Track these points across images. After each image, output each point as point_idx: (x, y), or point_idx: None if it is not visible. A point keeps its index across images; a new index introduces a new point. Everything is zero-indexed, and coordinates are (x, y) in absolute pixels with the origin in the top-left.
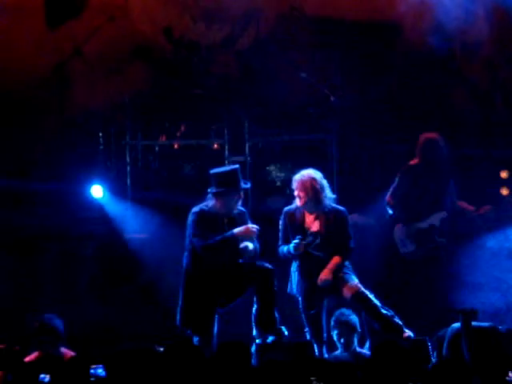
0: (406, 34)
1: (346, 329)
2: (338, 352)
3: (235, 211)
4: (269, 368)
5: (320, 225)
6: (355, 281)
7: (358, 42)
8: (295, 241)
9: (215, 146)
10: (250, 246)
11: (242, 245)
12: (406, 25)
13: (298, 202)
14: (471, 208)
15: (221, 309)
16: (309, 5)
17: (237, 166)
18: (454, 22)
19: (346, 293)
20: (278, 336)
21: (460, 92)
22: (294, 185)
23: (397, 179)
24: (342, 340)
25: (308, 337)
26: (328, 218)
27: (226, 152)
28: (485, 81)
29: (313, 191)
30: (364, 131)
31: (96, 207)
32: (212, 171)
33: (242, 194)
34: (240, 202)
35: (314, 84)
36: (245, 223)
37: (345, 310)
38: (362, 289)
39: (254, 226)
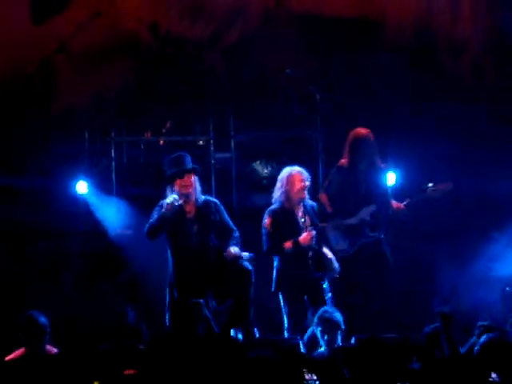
0: (391, 30)
1: (329, 326)
2: (321, 350)
3: (199, 200)
4: (257, 364)
5: (310, 219)
6: None
7: (343, 38)
8: (308, 234)
9: (201, 142)
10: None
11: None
12: (391, 21)
13: (299, 195)
14: (401, 206)
15: (217, 306)
16: (294, 1)
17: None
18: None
19: None
20: (248, 336)
21: (444, 91)
22: (296, 177)
23: (328, 177)
24: (325, 337)
25: (286, 334)
26: (312, 211)
27: (212, 148)
28: (470, 81)
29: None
30: (349, 127)
31: (81, 203)
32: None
33: (191, 177)
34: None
35: (299, 80)
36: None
37: (328, 308)
38: None
39: None
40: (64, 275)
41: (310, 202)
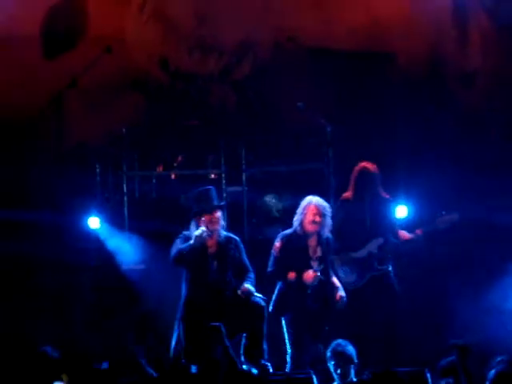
0: (401, 62)
1: (342, 360)
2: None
3: (221, 236)
4: None
5: (322, 250)
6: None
7: (353, 70)
8: (313, 273)
9: (212, 176)
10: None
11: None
12: (401, 53)
13: (310, 227)
14: (408, 236)
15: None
16: (305, 35)
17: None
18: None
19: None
20: (262, 371)
21: (452, 119)
22: (310, 209)
23: (333, 212)
24: (338, 371)
25: (289, 363)
26: (327, 244)
27: (224, 182)
28: (480, 109)
29: (326, 217)
30: (360, 159)
31: (93, 238)
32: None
33: (218, 212)
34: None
35: (310, 113)
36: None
37: (341, 341)
38: None
39: None
40: (75, 310)
41: (326, 234)
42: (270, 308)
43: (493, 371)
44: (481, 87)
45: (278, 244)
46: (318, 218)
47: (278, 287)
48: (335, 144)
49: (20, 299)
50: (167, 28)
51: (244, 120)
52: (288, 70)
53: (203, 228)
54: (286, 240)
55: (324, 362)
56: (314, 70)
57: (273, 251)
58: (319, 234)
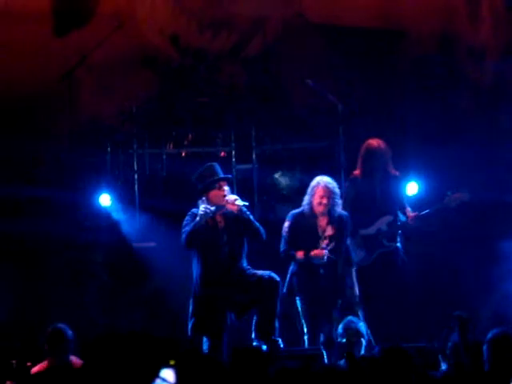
0: (411, 39)
1: (353, 336)
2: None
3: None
4: (283, 376)
5: (334, 229)
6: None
7: (363, 48)
8: (320, 251)
9: (222, 153)
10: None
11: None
12: (411, 30)
13: (318, 208)
14: (413, 215)
15: (237, 319)
16: (314, 12)
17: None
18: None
19: None
20: (273, 347)
21: (464, 96)
22: (318, 190)
23: (344, 190)
24: (350, 348)
25: (307, 343)
26: (339, 222)
27: (233, 160)
28: (491, 87)
29: (335, 197)
30: (371, 137)
31: (104, 215)
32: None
33: (225, 186)
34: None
35: (320, 91)
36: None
37: (353, 318)
38: None
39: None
40: (88, 285)
41: (338, 212)
42: (284, 289)
43: (490, 334)
44: (491, 64)
45: (287, 224)
46: (325, 200)
47: (290, 268)
48: (346, 122)
49: (31, 277)
50: (178, 5)
51: (254, 98)
52: (298, 47)
53: (204, 205)
54: (295, 219)
55: (336, 339)
56: (323, 48)
57: (283, 231)
58: (330, 214)
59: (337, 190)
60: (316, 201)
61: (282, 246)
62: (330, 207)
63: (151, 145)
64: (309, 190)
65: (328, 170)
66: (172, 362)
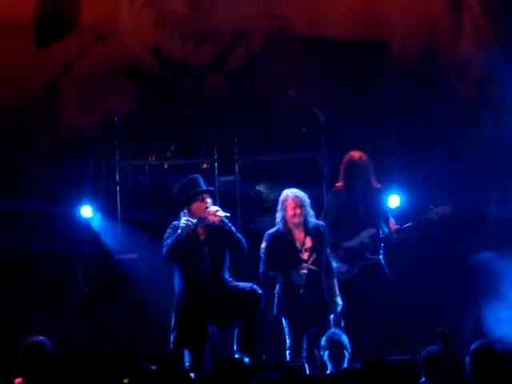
0: (395, 51)
1: (337, 349)
2: (328, 372)
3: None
4: None
5: (312, 240)
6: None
7: (347, 60)
8: (301, 270)
9: (205, 165)
10: None
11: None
12: (395, 43)
13: (293, 220)
14: (395, 228)
15: (219, 331)
16: (298, 24)
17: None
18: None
19: None
20: (255, 360)
21: (447, 109)
22: (288, 203)
23: (326, 203)
24: (333, 360)
25: (288, 358)
26: (317, 232)
27: (216, 171)
28: (474, 100)
29: (306, 207)
30: (353, 149)
31: (85, 227)
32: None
33: (207, 198)
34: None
35: (303, 103)
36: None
37: (336, 330)
38: None
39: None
40: (68, 299)
41: (313, 223)
42: (274, 311)
43: (472, 346)
44: (474, 76)
45: (263, 244)
46: (298, 210)
47: (276, 289)
48: (328, 133)
49: (13, 289)
50: (160, 16)
51: (237, 109)
52: (281, 59)
53: (186, 218)
54: (272, 239)
55: (319, 352)
56: (306, 60)
57: (260, 252)
58: (305, 225)
59: (307, 200)
60: (289, 213)
61: (261, 267)
62: (304, 218)
63: (133, 156)
64: (279, 206)
65: (311, 181)
66: (126, 381)
